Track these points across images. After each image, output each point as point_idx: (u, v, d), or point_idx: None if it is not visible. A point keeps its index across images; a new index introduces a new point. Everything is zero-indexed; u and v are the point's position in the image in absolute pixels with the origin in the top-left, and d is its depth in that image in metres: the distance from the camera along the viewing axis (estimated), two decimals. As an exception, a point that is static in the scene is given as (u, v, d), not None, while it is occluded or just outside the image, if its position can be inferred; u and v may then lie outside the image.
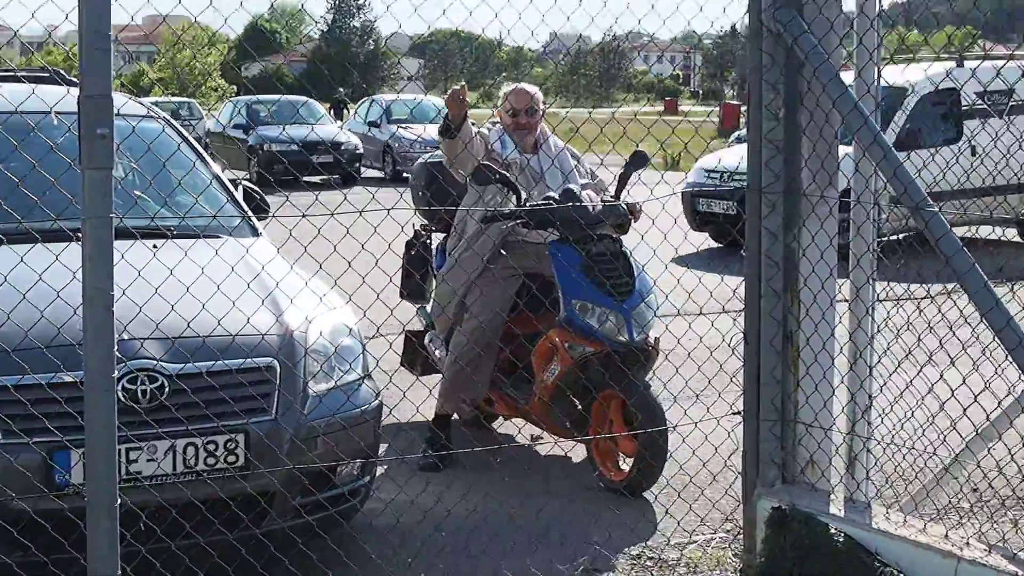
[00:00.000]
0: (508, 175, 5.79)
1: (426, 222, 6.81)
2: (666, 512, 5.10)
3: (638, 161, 5.96)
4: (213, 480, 4.11)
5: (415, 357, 6.84)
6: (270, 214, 5.70)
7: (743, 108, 33.80)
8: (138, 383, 4.08)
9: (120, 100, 4.50)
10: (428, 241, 6.83)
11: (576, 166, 6.31)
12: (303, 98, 26.45)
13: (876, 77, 4.26)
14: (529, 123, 6.19)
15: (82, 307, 3.30)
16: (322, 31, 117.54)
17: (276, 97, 26.39)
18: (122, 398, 4.02)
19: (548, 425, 5.95)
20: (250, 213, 5.52)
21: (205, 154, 5.82)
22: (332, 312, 4.69)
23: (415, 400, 5.00)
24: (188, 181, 5.34)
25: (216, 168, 5.81)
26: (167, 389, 4.11)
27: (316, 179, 24.01)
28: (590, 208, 5.76)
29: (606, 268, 5.64)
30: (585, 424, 5.75)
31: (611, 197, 6.04)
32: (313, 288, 4.59)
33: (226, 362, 4.21)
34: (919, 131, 13.91)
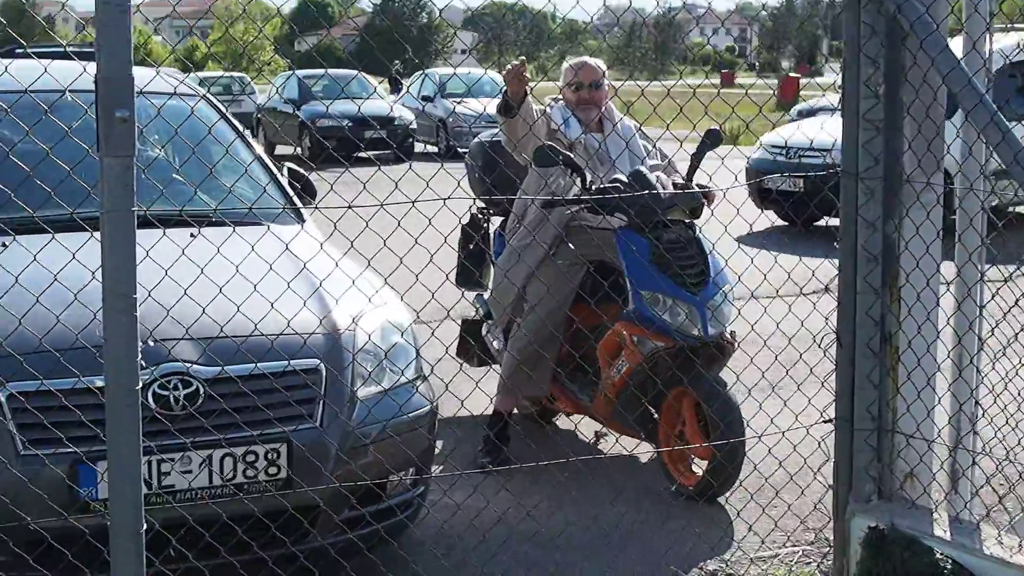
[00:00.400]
0: (572, 156, 5.37)
1: (483, 205, 6.42)
2: (749, 528, 4.68)
3: (712, 140, 5.53)
4: (253, 494, 3.75)
5: (471, 347, 6.46)
6: (316, 200, 5.32)
7: (802, 81, 33.01)
8: (170, 388, 3.72)
9: (146, 74, 4.12)
10: (486, 225, 6.44)
11: (644, 145, 5.88)
12: (354, 72, 26.02)
13: (989, 49, 3.82)
14: (594, 97, 5.76)
15: (102, 314, 2.94)
16: (374, 4, 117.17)
17: (327, 72, 26.03)
18: (152, 406, 3.67)
19: (614, 424, 5.54)
20: (295, 198, 5.15)
21: (246, 133, 5.43)
22: (383, 309, 4.30)
23: (466, 393, 4.59)
24: (227, 164, 4.97)
25: (258, 149, 5.43)
26: (202, 395, 3.75)
27: (368, 155, 23.67)
28: (662, 192, 5.32)
29: (679, 256, 5.22)
30: (654, 424, 5.34)
31: (683, 179, 5.62)
32: (363, 282, 4.20)
33: (267, 365, 3.83)
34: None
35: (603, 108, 5.81)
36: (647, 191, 5.15)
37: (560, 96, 5.90)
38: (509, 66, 5.25)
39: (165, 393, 3.70)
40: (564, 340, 5.50)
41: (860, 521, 3.90)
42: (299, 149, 24.43)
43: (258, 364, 3.81)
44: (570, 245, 5.45)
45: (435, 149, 26.08)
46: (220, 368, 3.76)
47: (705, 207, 5.51)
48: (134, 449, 2.97)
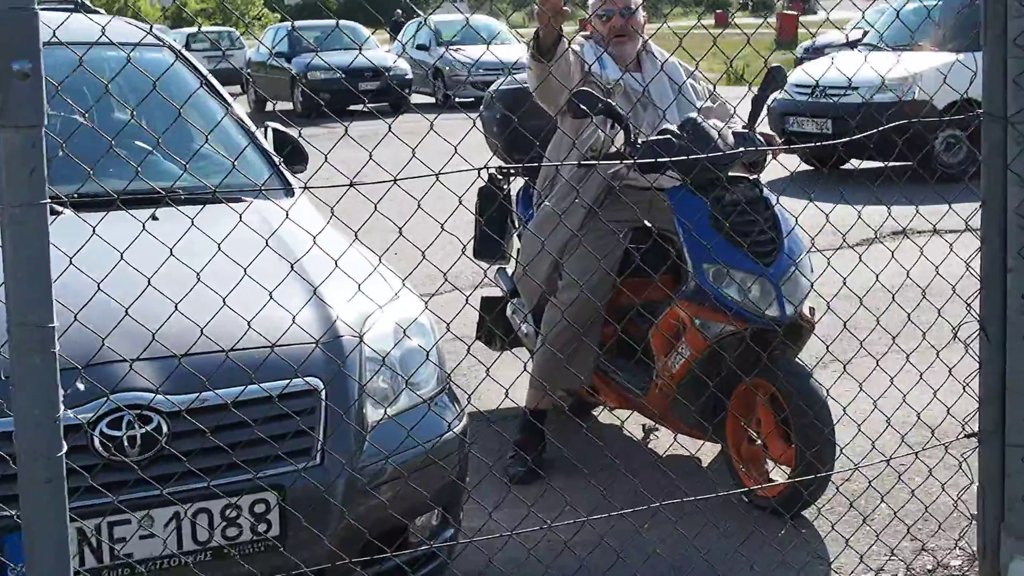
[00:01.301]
0: (612, 103, 4.44)
1: (502, 165, 5.52)
2: (860, 559, 3.80)
3: (777, 79, 4.63)
4: (237, 560, 2.88)
5: (494, 330, 5.58)
6: (308, 167, 4.42)
7: (800, 18, 31.93)
8: (124, 427, 2.84)
9: (91, 23, 3.21)
10: (507, 187, 5.55)
11: (693, 86, 4.97)
12: (346, 22, 25.00)
13: None
14: (629, 26, 4.85)
15: (8, 354, 2.09)
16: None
17: (317, 22, 25.00)
18: (101, 451, 2.80)
19: (670, 421, 4.66)
20: (283, 166, 4.24)
21: (224, 91, 4.51)
22: (396, 305, 3.42)
23: (491, 384, 3.70)
24: (201, 126, 4.07)
25: (239, 111, 4.50)
26: (167, 432, 2.87)
27: (365, 107, 22.66)
28: (720, 143, 4.41)
29: (745, 221, 4.33)
30: (721, 421, 4.47)
31: (742, 127, 4.71)
32: (369, 270, 3.31)
33: (252, 389, 2.96)
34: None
35: (639, 41, 4.91)
36: (705, 143, 4.27)
37: (589, 31, 4.98)
38: None
39: (117, 433, 2.82)
40: (610, 321, 4.63)
41: (1021, 566, 3.04)
42: (292, 104, 23.45)
43: (240, 387, 2.93)
44: (611, 207, 4.57)
45: (432, 100, 25.08)
46: (190, 395, 2.89)
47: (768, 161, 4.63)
48: (60, 539, 2.12)
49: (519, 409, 4.95)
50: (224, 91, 4.49)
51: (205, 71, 4.55)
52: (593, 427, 5.32)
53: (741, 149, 4.33)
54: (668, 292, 4.66)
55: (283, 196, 4.07)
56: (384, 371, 3.24)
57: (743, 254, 4.24)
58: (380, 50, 25.07)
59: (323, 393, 3.06)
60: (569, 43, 4.47)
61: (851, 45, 14.82)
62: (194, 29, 31.87)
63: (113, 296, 2.61)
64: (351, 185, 2.48)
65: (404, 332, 3.33)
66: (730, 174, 4.50)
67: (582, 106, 4.29)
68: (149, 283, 2.68)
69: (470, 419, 3.59)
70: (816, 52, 28.10)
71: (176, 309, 2.72)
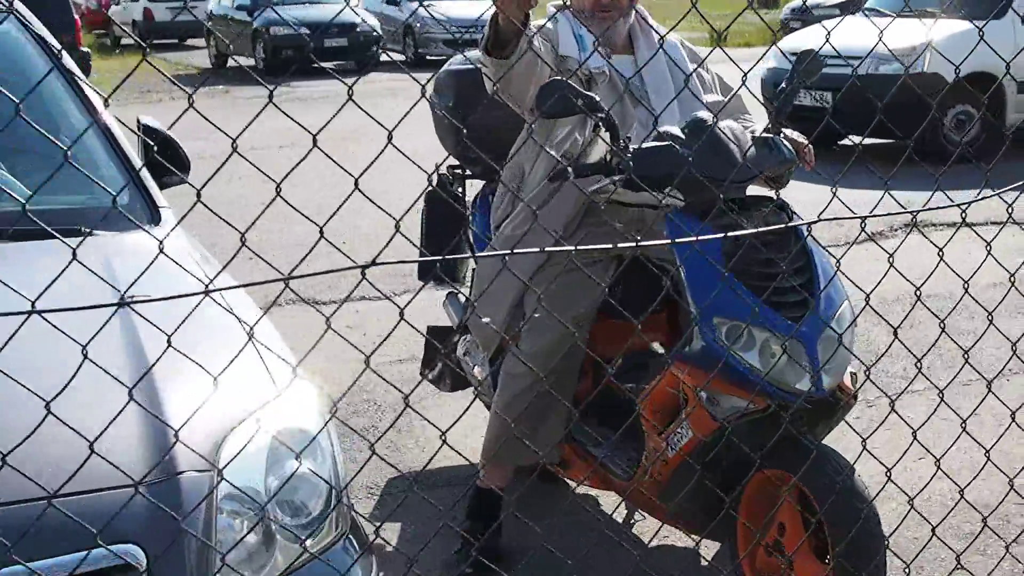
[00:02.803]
0: (594, 96, 3.33)
1: (457, 163, 4.43)
2: None
3: (811, 66, 3.55)
4: None
5: (443, 368, 4.50)
6: (191, 173, 3.30)
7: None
8: None
9: None
10: (461, 192, 4.46)
11: (700, 74, 3.87)
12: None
13: None
14: (618, 1, 3.76)
15: None
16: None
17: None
18: None
19: (661, 513, 3.58)
20: (149, 181, 3.12)
21: (80, 73, 3.37)
22: (278, 407, 2.33)
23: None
24: (42, 123, 2.95)
25: (95, 100, 3.34)
26: None
27: (328, 65, 21.43)
28: (736, 152, 3.33)
29: (769, 260, 3.23)
30: (728, 519, 3.39)
31: (761, 130, 3.62)
32: (250, 344, 2.19)
33: (39, 566, 1.87)
34: None
35: (631, 16, 3.81)
36: (717, 152, 3.22)
37: (566, 1, 3.86)
38: None
39: None
40: (587, 372, 3.57)
41: None
42: (254, 61, 22.20)
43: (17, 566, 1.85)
44: (591, 229, 3.52)
45: (401, 57, 23.86)
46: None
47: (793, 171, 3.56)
48: None
49: (474, 466, 3.90)
50: (79, 72, 3.34)
51: (56, 45, 3.41)
52: (563, 497, 4.24)
53: (761, 163, 3.27)
54: (663, 342, 3.60)
55: (144, 223, 2.95)
56: (251, 516, 2.15)
57: (769, 305, 3.15)
58: (347, 5, 23.77)
59: (144, 564, 1.98)
60: (536, 31, 3.38)
61: (852, 10, 13.74)
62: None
63: None
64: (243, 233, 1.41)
65: (297, 454, 2.23)
66: (748, 193, 3.44)
67: (555, 102, 3.18)
68: None
69: (410, 483, 2.54)
70: (803, 12, 27.02)
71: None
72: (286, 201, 1.74)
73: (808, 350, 3.17)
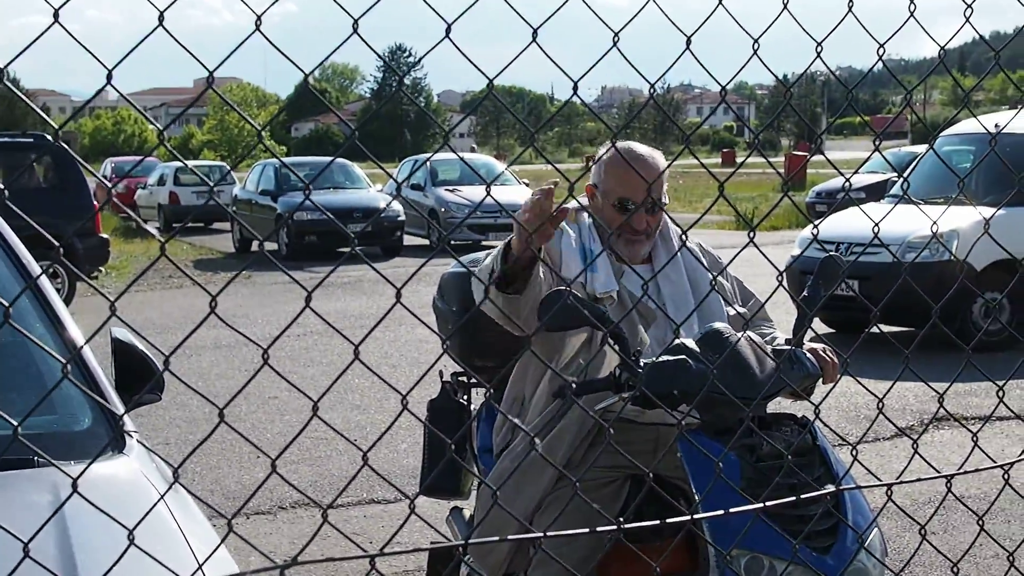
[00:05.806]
0: (603, 309, 3.12)
1: (462, 370, 4.22)
2: None
3: (830, 273, 3.34)
4: None
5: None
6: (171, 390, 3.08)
7: (809, 158, 30.87)
8: None
9: None
10: (466, 400, 4.23)
11: (720, 282, 3.65)
12: (339, 160, 23.91)
13: None
14: (650, 225, 3.56)
15: None
16: (372, 89, 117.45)
17: (308, 159, 23.95)
18: None
19: None
20: (114, 403, 2.89)
21: (22, 248, 3.13)
22: None
23: None
24: None
25: (58, 305, 3.10)
26: None
27: (351, 250, 21.45)
28: (757, 370, 3.10)
29: (791, 485, 2.97)
30: None
31: (783, 341, 3.40)
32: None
33: None
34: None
35: (656, 233, 3.59)
36: (735, 368, 2.99)
37: (589, 195, 3.63)
38: (531, 197, 3.02)
39: None
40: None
41: None
42: (277, 246, 22.28)
43: None
44: (607, 452, 3.27)
45: (425, 242, 23.94)
46: None
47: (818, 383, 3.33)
48: None
49: None
50: (37, 269, 3.11)
51: (16, 242, 3.19)
52: None
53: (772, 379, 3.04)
54: (680, 567, 3.33)
55: (105, 455, 2.71)
56: None
57: (793, 536, 2.88)
58: (372, 190, 23.96)
59: None
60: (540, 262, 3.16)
61: (876, 196, 13.68)
62: (192, 162, 30.93)
63: None
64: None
65: None
66: (769, 410, 3.20)
67: (561, 315, 2.97)
68: None
69: None
70: (830, 196, 27.00)
71: None
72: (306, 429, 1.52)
73: (836, 585, 2.89)
